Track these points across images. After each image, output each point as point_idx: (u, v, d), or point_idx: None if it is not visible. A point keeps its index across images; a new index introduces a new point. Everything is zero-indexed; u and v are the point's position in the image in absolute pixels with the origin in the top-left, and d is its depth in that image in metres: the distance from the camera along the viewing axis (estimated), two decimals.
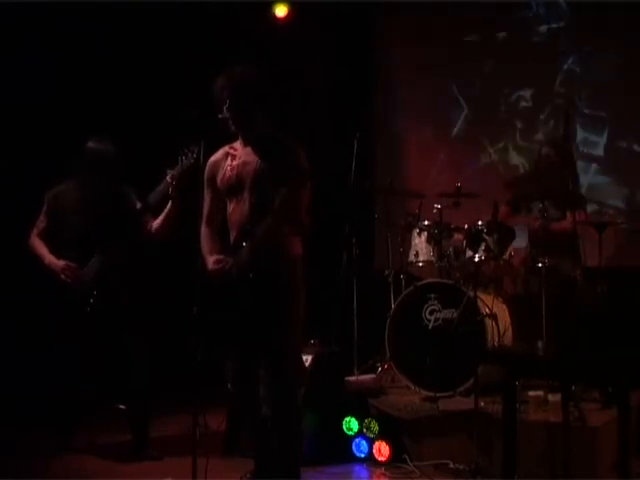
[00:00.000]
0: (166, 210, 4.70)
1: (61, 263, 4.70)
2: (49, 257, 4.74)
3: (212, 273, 3.73)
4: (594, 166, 6.65)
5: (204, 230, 3.89)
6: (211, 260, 3.76)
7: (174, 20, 6.66)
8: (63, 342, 4.74)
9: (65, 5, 5.98)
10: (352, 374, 5.43)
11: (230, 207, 3.81)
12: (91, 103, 6.22)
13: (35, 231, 4.84)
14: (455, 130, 7.29)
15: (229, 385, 3.95)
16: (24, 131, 6.01)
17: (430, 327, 5.10)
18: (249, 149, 3.81)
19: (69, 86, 6.21)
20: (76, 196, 4.77)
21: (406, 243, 5.65)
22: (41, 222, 4.84)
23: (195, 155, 4.28)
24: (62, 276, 4.67)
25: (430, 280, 5.29)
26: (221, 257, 3.75)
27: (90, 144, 4.73)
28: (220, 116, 3.75)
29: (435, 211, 5.44)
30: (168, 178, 4.53)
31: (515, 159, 7.03)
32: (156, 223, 4.75)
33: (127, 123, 6.13)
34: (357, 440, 4.68)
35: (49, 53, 6.15)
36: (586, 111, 6.69)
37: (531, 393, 4.54)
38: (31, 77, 6.06)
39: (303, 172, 3.68)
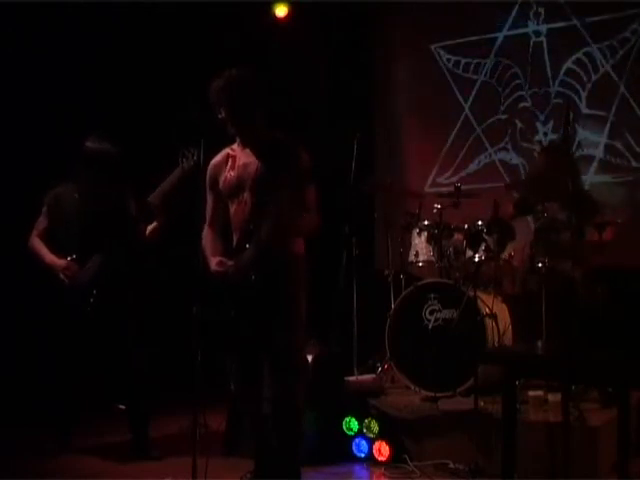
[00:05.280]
0: (154, 224, 4.75)
1: (62, 262, 4.70)
2: (49, 256, 4.74)
3: (214, 274, 3.74)
4: (594, 166, 6.65)
5: (206, 232, 3.91)
6: (213, 261, 3.77)
7: (174, 20, 6.66)
8: (63, 342, 4.74)
9: (65, 5, 5.98)
10: (352, 374, 5.43)
11: (232, 209, 3.82)
12: (91, 103, 6.22)
13: (35, 232, 4.84)
14: (455, 130, 7.29)
15: (232, 385, 3.95)
16: (23, 131, 6.01)
17: (430, 327, 5.10)
18: (249, 151, 3.82)
19: (69, 86, 6.21)
20: (75, 196, 4.77)
21: (406, 243, 5.66)
22: (40, 223, 4.84)
23: (195, 157, 4.30)
24: (61, 275, 4.67)
25: (430, 280, 5.29)
26: (223, 259, 3.75)
27: (88, 143, 4.73)
28: (220, 116, 3.76)
29: (435, 211, 5.44)
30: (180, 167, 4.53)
31: (515, 159, 7.03)
32: (148, 231, 4.78)
33: (127, 123, 6.13)
34: (357, 440, 4.68)
35: (49, 53, 6.15)
36: (586, 111, 6.70)
37: (531, 393, 4.54)
38: (31, 77, 6.06)
39: (305, 173, 3.69)
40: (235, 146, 3.87)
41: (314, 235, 3.78)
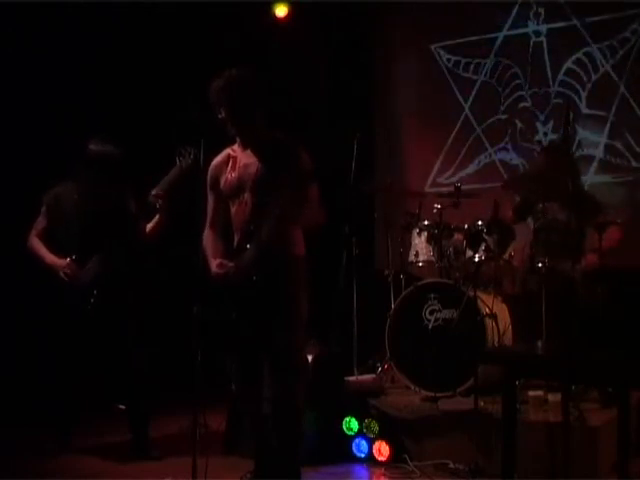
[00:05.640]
0: (155, 220, 4.74)
1: (62, 262, 4.69)
2: (50, 256, 4.74)
3: (215, 276, 3.74)
4: (594, 166, 6.65)
5: (207, 232, 3.91)
6: (214, 263, 3.76)
7: (174, 20, 6.66)
8: (63, 342, 4.74)
9: (65, 5, 5.98)
10: (352, 374, 5.43)
11: (233, 209, 3.82)
12: (91, 103, 6.22)
13: (34, 232, 4.83)
14: (455, 130, 7.29)
15: (233, 385, 3.95)
16: (23, 131, 6.01)
17: (430, 327, 5.10)
18: (249, 151, 3.81)
19: (69, 86, 6.21)
20: (75, 197, 4.77)
21: (406, 243, 5.65)
22: (40, 223, 4.84)
23: (192, 156, 4.30)
24: (62, 274, 4.67)
25: (430, 280, 5.29)
26: (224, 261, 3.75)
27: (92, 146, 4.72)
28: (220, 116, 3.76)
29: (435, 211, 5.44)
30: (176, 167, 4.54)
31: (515, 159, 7.03)
32: (149, 227, 4.78)
33: (127, 123, 6.13)
34: (357, 440, 4.68)
35: (49, 53, 6.15)
36: (586, 111, 6.70)
37: (531, 393, 4.54)
38: (31, 77, 6.06)
39: (305, 173, 3.68)
40: (236, 147, 3.87)
41: (318, 229, 3.77)
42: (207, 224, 3.92)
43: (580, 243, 5.07)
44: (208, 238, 3.90)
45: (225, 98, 3.73)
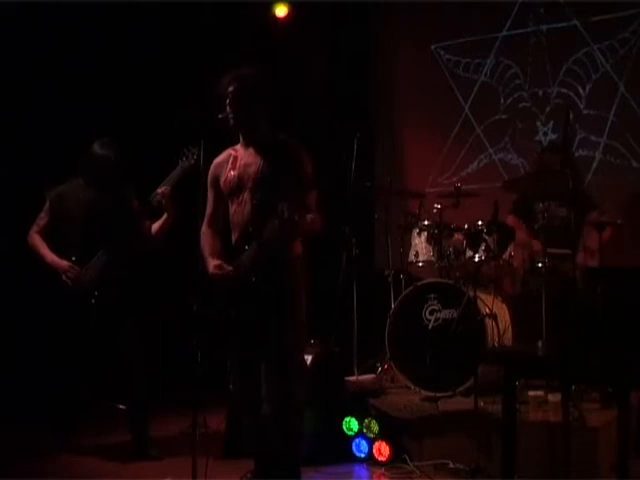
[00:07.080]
0: (162, 219, 4.74)
1: (64, 263, 4.69)
2: (51, 256, 4.74)
3: (212, 277, 3.74)
4: (594, 166, 6.65)
5: (205, 230, 3.90)
6: (212, 264, 3.77)
7: (174, 20, 6.67)
8: (63, 342, 4.74)
9: (65, 5, 5.98)
10: (352, 374, 5.44)
11: (232, 208, 3.82)
12: (92, 103, 6.22)
13: (35, 227, 4.82)
14: (455, 130, 7.29)
15: (231, 385, 3.95)
16: (25, 132, 6.01)
17: (430, 327, 5.10)
18: (251, 151, 3.81)
19: (70, 86, 6.21)
20: (79, 196, 4.76)
21: (406, 243, 5.66)
22: (42, 219, 4.83)
23: (195, 156, 4.30)
24: (63, 277, 4.67)
25: (430, 280, 5.30)
26: (222, 263, 3.75)
27: (95, 148, 4.72)
28: (220, 116, 3.75)
29: (435, 211, 5.44)
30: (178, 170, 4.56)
31: (515, 159, 7.03)
32: (154, 228, 4.78)
33: (128, 123, 6.13)
34: (357, 440, 4.68)
35: (50, 53, 6.16)
36: (586, 111, 6.70)
37: (531, 393, 4.55)
38: (32, 77, 6.07)
39: (308, 175, 3.68)
40: (238, 146, 3.88)
41: (317, 235, 3.77)
42: (205, 221, 3.92)
43: (577, 240, 5.08)
44: (206, 236, 3.89)
45: (233, 93, 3.72)
